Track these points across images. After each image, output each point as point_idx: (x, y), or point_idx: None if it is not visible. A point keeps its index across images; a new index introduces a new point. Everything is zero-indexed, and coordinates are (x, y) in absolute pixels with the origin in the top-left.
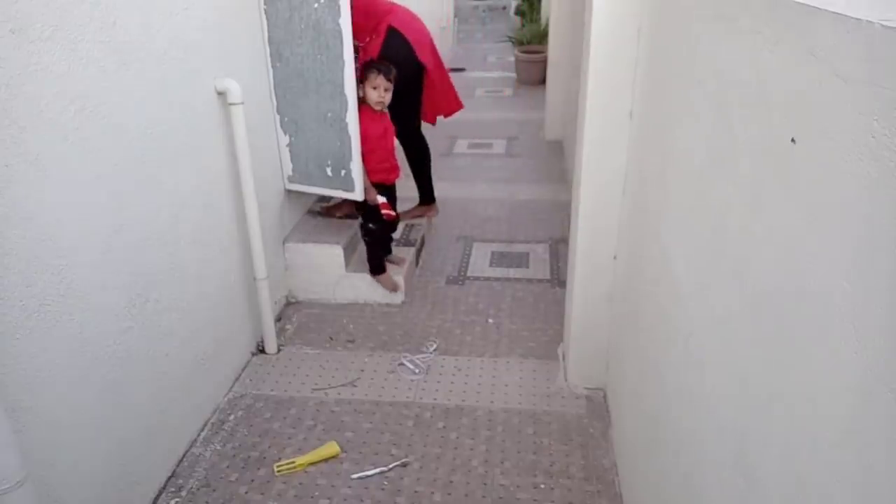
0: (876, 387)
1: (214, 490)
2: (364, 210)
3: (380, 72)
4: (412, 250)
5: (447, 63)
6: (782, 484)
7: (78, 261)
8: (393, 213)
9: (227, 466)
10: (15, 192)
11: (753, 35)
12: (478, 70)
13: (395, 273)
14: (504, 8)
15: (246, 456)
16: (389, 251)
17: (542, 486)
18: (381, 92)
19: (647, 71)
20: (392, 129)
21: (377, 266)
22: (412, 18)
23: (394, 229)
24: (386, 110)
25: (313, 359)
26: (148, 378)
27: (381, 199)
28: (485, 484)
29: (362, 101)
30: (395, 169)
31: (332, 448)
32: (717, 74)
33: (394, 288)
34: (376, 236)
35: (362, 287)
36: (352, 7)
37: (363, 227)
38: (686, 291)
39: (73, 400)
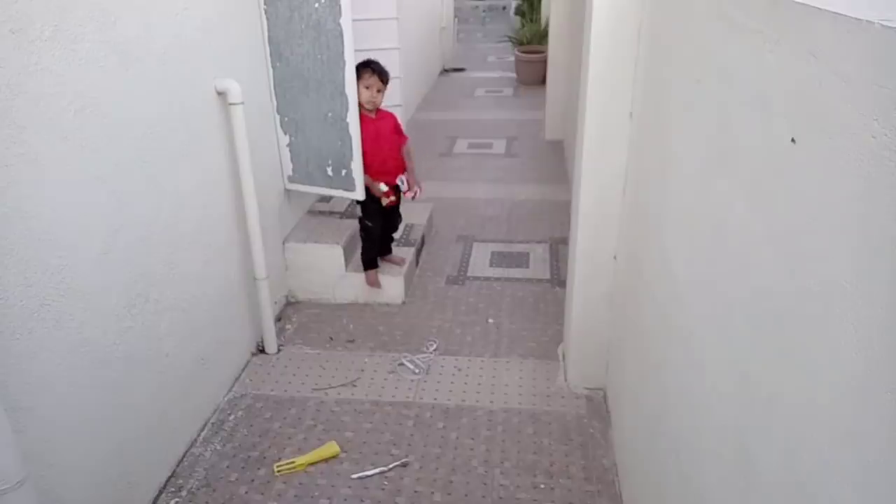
0: (876, 387)
1: (214, 490)
2: (364, 208)
3: (374, 71)
4: (412, 250)
5: (448, 63)
6: (782, 484)
7: (78, 261)
8: (394, 196)
9: (227, 466)
10: (15, 192)
11: (754, 35)
12: (478, 70)
13: (395, 273)
14: (504, 8)
15: (246, 456)
16: (389, 251)
17: (542, 486)
18: (373, 92)
19: (647, 71)
20: (391, 128)
21: (369, 261)
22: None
23: (395, 229)
24: (384, 110)
25: (313, 359)
26: (148, 378)
27: (384, 188)
28: (485, 484)
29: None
30: (398, 170)
31: (332, 448)
32: (718, 74)
33: (375, 284)
34: (372, 233)
35: (362, 287)
36: None
37: (361, 222)
38: (686, 291)
39: (72, 400)
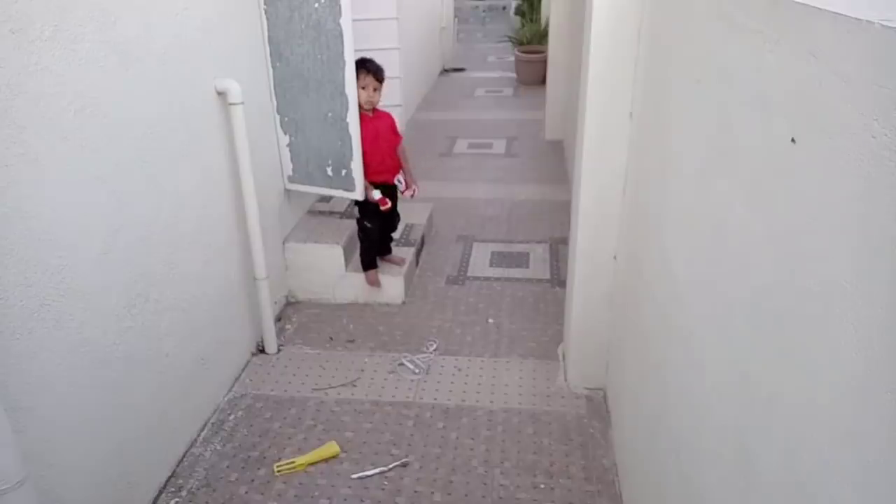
0: (876, 387)
1: (214, 490)
2: (362, 209)
3: (369, 71)
4: (412, 250)
5: (448, 63)
6: (782, 484)
7: (78, 260)
8: (389, 203)
9: (227, 466)
10: (15, 192)
11: (754, 35)
12: (478, 70)
13: (395, 273)
14: (504, 8)
15: (246, 456)
16: (389, 251)
17: (542, 486)
18: (369, 92)
19: (647, 71)
20: (388, 127)
21: (369, 262)
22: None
23: (394, 229)
24: (381, 110)
25: (313, 359)
26: (148, 378)
27: (378, 195)
28: (485, 484)
29: None
30: (395, 169)
31: (332, 448)
32: (718, 74)
33: (375, 284)
34: (371, 234)
35: (362, 287)
36: None
37: (359, 223)
38: (686, 291)
39: (72, 400)
